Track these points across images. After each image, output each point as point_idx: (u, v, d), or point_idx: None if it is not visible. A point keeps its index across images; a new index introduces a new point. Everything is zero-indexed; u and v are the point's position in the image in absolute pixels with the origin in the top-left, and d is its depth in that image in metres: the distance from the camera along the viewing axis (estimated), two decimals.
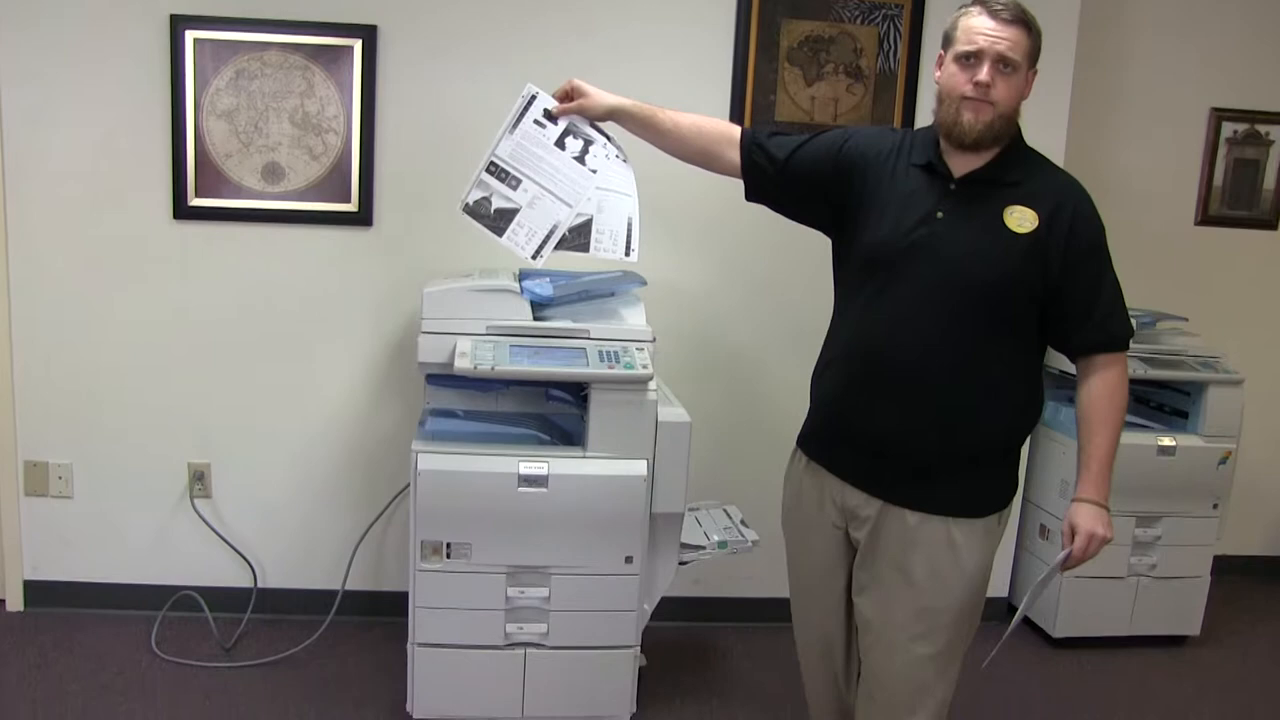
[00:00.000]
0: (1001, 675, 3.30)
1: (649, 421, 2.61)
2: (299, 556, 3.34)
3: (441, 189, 3.17)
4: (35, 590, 3.29)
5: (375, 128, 3.14)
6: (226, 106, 3.09)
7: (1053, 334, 2.02)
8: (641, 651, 2.77)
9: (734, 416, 3.36)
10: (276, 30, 3.06)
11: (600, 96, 2.42)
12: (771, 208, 2.31)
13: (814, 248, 2.38)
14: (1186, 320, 3.65)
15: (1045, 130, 3.33)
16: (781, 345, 3.32)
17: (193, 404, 3.24)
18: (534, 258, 2.47)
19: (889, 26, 3.25)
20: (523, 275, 2.80)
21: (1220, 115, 3.90)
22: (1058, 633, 3.51)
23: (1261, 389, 3.72)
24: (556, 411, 2.87)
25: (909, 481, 2.03)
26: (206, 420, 3.25)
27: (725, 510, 3.12)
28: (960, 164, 1.99)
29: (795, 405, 2.28)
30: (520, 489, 2.55)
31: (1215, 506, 3.51)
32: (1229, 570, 3.87)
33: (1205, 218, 3.97)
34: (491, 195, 2.44)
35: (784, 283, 3.32)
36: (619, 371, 2.56)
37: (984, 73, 1.91)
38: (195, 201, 3.12)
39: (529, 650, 2.67)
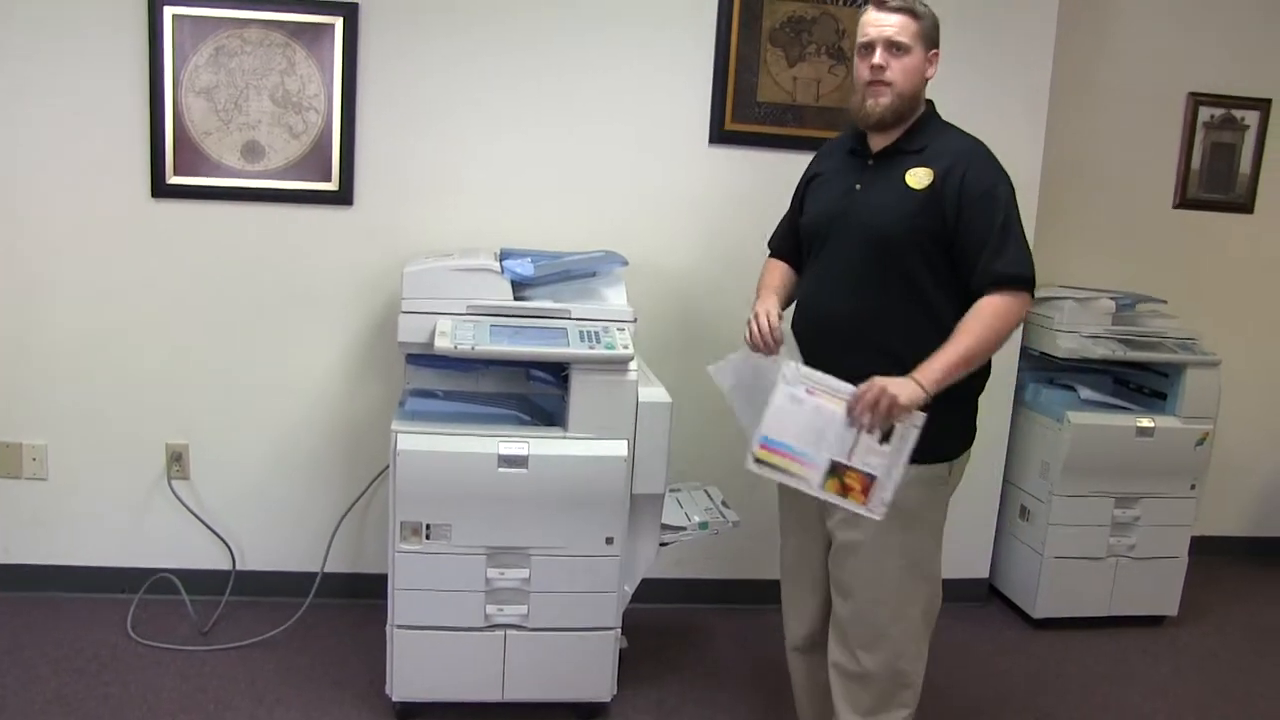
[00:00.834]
0: (982, 656, 3.33)
1: (630, 402, 2.61)
2: (278, 538, 3.32)
3: (422, 168, 3.17)
4: (8, 573, 3.25)
5: (356, 106, 3.11)
6: (206, 84, 3.05)
7: (961, 281, 2.15)
8: (623, 633, 2.77)
9: (715, 397, 3.32)
10: (257, 7, 3.03)
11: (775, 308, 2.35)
12: None
13: None
14: (1165, 302, 3.68)
15: (1025, 114, 3.37)
16: None
17: (171, 384, 3.21)
18: None
19: None
20: (504, 255, 2.79)
21: (1197, 100, 3.92)
22: (1038, 613, 3.53)
23: (1238, 371, 3.76)
24: (537, 392, 2.86)
25: None
26: (184, 401, 3.22)
27: (706, 491, 3.12)
28: (877, 143, 2.25)
29: None
30: (500, 469, 2.53)
31: (1193, 487, 3.54)
32: (1206, 550, 3.91)
33: (1183, 201, 4.00)
34: None
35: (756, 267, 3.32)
36: (600, 352, 2.56)
37: (876, 57, 2.16)
38: (174, 180, 3.08)
39: (509, 632, 2.66)
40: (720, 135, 3.26)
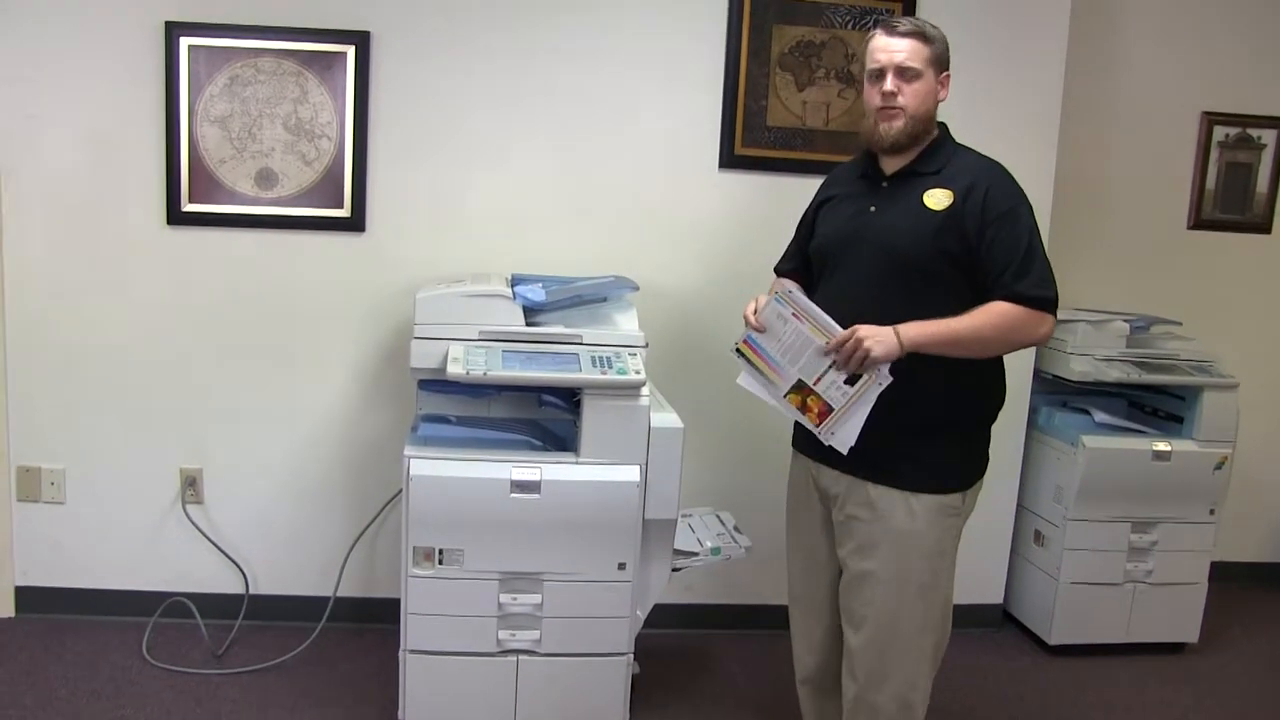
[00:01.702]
0: (996, 682, 3.30)
1: (642, 427, 2.61)
2: (291, 563, 3.33)
3: (434, 194, 3.20)
4: (26, 596, 3.28)
5: (368, 134, 3.14)
6: (220, 112, 3.09)
7: (980, 300, 2.13)
8: (634, 658, 2.75)
9: (727, 422, 3.35)
10: (270, 37, 3.06)
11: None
12: None
13: None
14: (1180, 324, 3.65)
15: (1037, 135, 3.36)
16: None
17: (185, 409, 3.23)
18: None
19: None
20: (515, 280, 2.80)
21: (1212, 119, 3.91)
22: (1054, 640, 3.49)
23: (1257, 393, 3.72)
24: (549, 417, 2.86)
25: (867, 455, 2.14)
26: (198, 426, 3.24)
27: (718, 516, 3.11)
28: (890, 165, 2.25)
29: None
30: (513, 494, 2.54)
31: (1212, 512, 3.50)
32: (1226, 577, 3.86)
33: (1198, 221, 3.97)
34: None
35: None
36: (612, 377, 2.56)
37: (888, 83, 2.16)
38: (189, 207, 3.12)
39: (521, 657, 2.65)
40: (730, 160, 3.27)
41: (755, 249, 3.23)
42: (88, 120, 3.07)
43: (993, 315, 2.09)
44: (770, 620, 3.33)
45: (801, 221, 2.48)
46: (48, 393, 3.19)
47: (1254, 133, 3.94)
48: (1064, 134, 3.42)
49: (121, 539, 3.28)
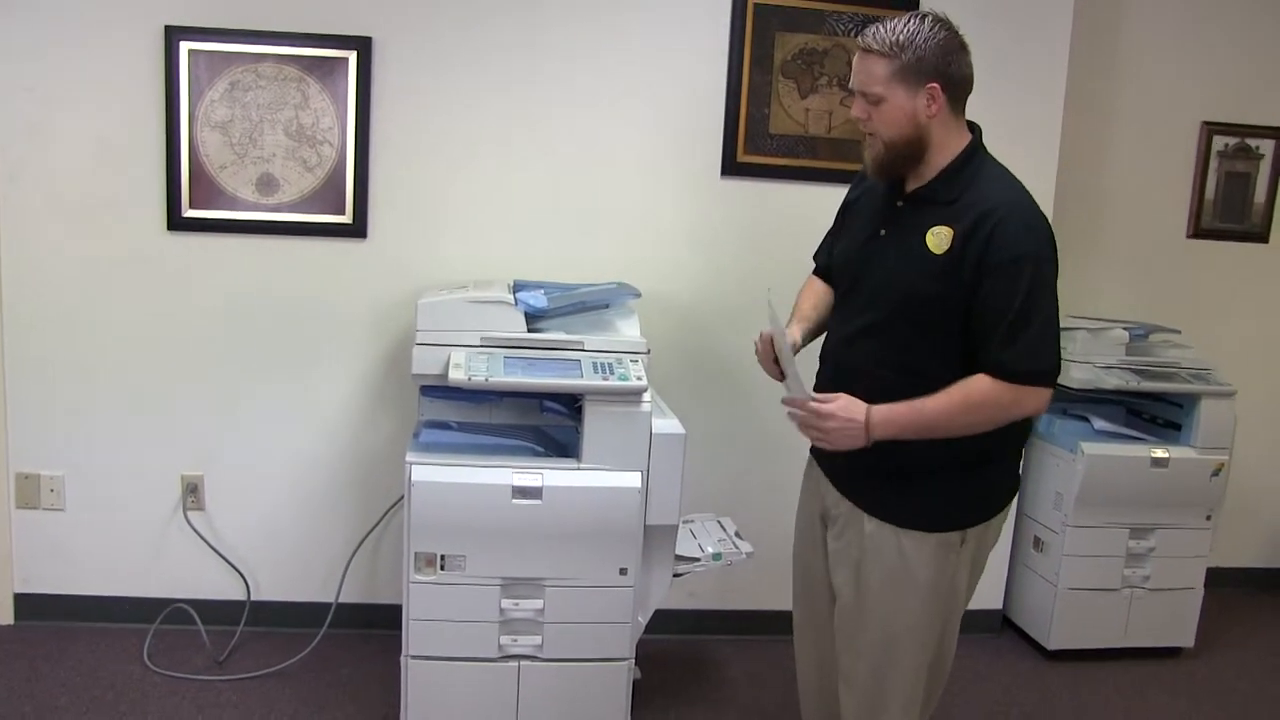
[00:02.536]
0: (996, 687, 3.30)
1: (643, 433, 2.61)
2: (292, 569, 3.33)
3: (435, 201, 3.20)
4: (25, 603, 3.27)
5: (370, 139, 3.14)
6: (221, 118, 3.09)
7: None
8: (636, 664, 2.76)
9: (729, 428, 3.36)
10: (271, 42, 3.06)
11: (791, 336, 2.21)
12: None
13: (809, 260, 2.40)
14: (1179, 332, 3.67)
15: (1037, 144, 3.37)
16: None
17: (186, 416, 3.23)
18: None
19: None
20: (517, 286, 2.80)
21: (1211, 129, 3.92)
22: (1052, 645, 3.51)
23: (1254, 401, 3.74)
24: (551, 423, 2.87)
25: (866, 484, 2.08)
26: (200, 432, 3.24)
27: (719, 522, 3.11)
28: (912, 181, 2.03)
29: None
30: (514, 500, 2.54)
31: (1208, 518, 3.52)
32: (1222, 582, 3.89)
33: (1197, 230, 3.99)
34: None
35: (780, 294, 3.32)
36: (613, 383, 2.56)
37: (854, 109, 2.01)
38: (189, 213, 3.11)
39: (523, 663, 2.66)
40: (733, 167, 3.27)
41: (757, 256, 3.26)
42: (88, 126, 3.07)
43: (972, 395, 1.90)
44: (772, 626, 3.34)
45: (838, 211, 2.31)
46: (47, 399, 3.19)
47: (1253, 143, 3.96)
48: (1064, 143, 3.44)
49: (122, 546, 3.27)
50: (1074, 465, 3.40)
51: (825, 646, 2.27)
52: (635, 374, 2.59)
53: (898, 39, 1.90)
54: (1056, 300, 1.92)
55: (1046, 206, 3.32)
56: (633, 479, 2.60)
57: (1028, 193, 1.97)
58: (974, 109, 2.05)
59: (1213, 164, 3.95)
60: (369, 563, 3.32)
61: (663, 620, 2.97)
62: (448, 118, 3.17)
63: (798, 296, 2.36)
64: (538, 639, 2.65)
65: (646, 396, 2.61)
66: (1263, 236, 4.05)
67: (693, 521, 3.08)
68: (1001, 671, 3.43)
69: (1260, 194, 4.01)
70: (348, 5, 3.09)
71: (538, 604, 2.62)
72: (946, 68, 1.92)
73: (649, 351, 2.71)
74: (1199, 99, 3.91)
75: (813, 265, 2.40)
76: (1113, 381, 3.39)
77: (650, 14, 3.20)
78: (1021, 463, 2.21)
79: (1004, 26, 3.30)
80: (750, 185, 3.30)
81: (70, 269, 3.13)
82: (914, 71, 1.90)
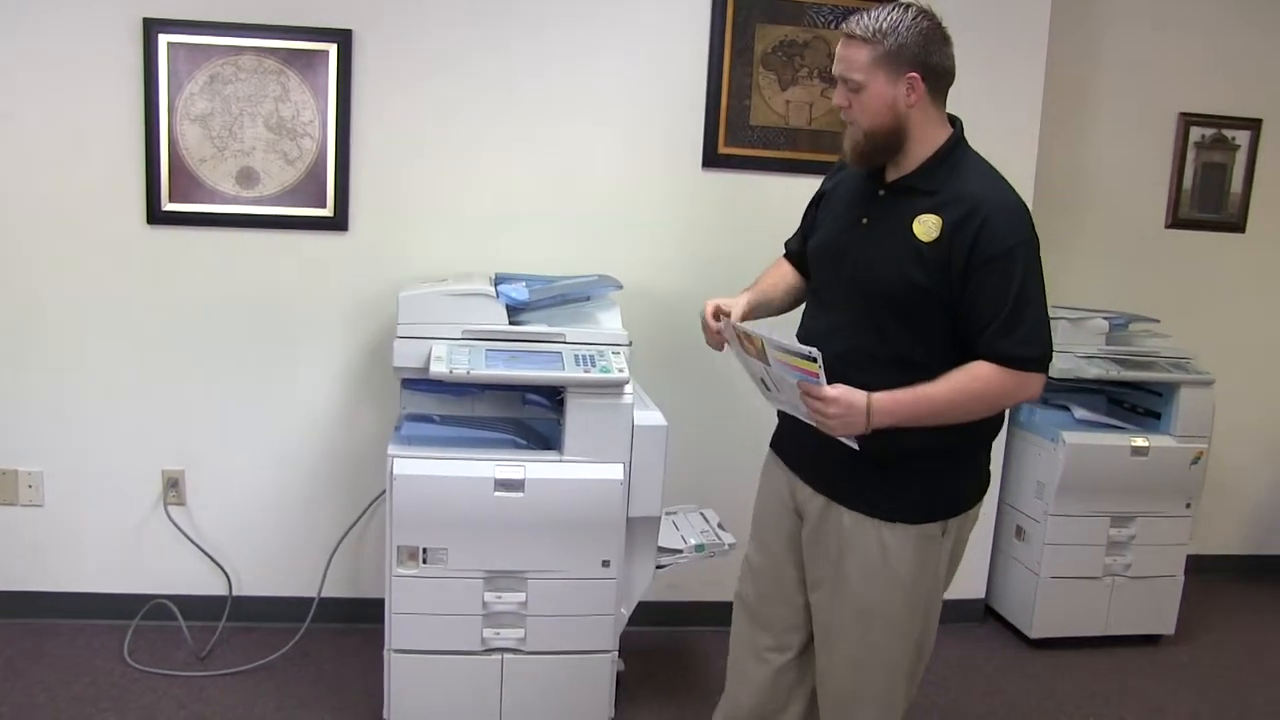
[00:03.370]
0: (978, 676, 3.32)
1: (625, 425, 2.62)
2: (274, 563, 3.32)
3: (416, 194, 3.19)
4: (5, 600, 3.25)
5: (350, 132, 3.13)
6: (201, 111, 3.07)
7: (962, 342, 1.95)
8: (619, 656, 2.77)
9: (710, 420, 3.36)
10: (251, 35, 3.04)
11: (738, 304, 2.21)
12: None
13: None
14: (1158, 321, 3.70)
15: (1016, 135, 3.38)
16: None
17: (167, 410, 3.21)
18: None
19: None
20: (498, 279, 2.80)
21: (1189, 120, 3.95)
22: (1035, 633, 3.53)
23: (1232, 389, 3.76)
24: (533, 415, 2.87)
25: (843, 477, 2.03)
26: (181, 426, 3.22)
27: (702, 514, 3.12)
28: (890, 172, 2.03)
29: (771, 409, 2.28)
30: (497, 493, 2.54)
31: (1188, 506, 3.55)
32: (1202, 569, 3.93)
33: (1175, 220, 4.02)
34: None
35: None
36: (595, 375, 2.57)
37: (836, 96, 2.01)
38: (169, 206, 3.09)
39: (506, 656, 2.66)
40: (713, 159, 3.28)
41: (738, 247, 3.25)
42: (66, 119, 3.04)
43: (975, 381, 1.89)
44: None
45: (810, 202, 2.29)
46: (23, 393, 3.16)
47: (1229, 134, 3.99)
48: (1044, 134, 3.46)
49: (102, 541, 3.25)
50: (1055, 454, 3.42)
51: (774, 667, 2.27)
52: (617, 366, 2.60)
53: (880, 26, 1.90)
54: (1044, 284, 1.95)
55: (1026, 197, 3.32)
56: (615, 471, 2.60)
57: (1010, 185, 1.99)
58: (953, 99, 2.05)
59: (1190, 155, 3.97)
60: (351, 557, 3.31)
61: (646, 612, 2.97)
62: (429, 110, 3.16)
63: (762, 274, 2.33)
64: (521, 632, 2.65)
65: (628, 388, 2.62)
66: (1239, 226, 4.08)
67: (675, 513, 3.09)
68: (984, 660, 3.45)
69: (1236, 184, 4.04)
70: None
71: (520, 597, 2.63)
72: (928, 58, 1.92)
73: (631, 343, 2.72)
74: (1176, 90, 3.93)
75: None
76: (1093, 371, 3.41)
77: (630, 6, 3.20)
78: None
79: (984, 17, 3.31)
80: (731, 177, 3.30)
81: (49, 262, 3.11)
82: (895, 59, 1.90)
